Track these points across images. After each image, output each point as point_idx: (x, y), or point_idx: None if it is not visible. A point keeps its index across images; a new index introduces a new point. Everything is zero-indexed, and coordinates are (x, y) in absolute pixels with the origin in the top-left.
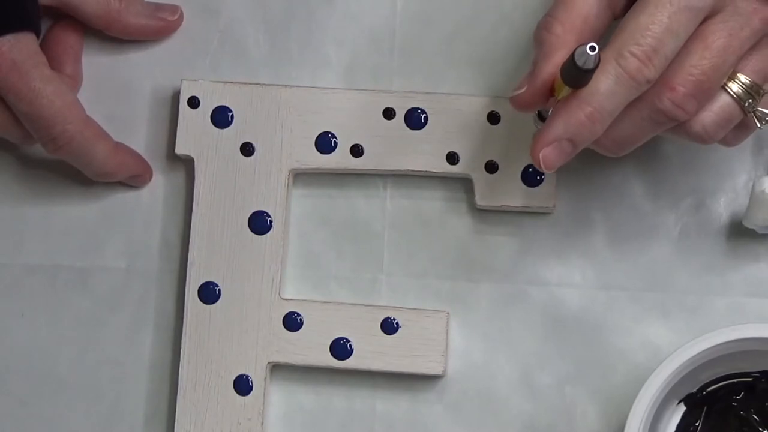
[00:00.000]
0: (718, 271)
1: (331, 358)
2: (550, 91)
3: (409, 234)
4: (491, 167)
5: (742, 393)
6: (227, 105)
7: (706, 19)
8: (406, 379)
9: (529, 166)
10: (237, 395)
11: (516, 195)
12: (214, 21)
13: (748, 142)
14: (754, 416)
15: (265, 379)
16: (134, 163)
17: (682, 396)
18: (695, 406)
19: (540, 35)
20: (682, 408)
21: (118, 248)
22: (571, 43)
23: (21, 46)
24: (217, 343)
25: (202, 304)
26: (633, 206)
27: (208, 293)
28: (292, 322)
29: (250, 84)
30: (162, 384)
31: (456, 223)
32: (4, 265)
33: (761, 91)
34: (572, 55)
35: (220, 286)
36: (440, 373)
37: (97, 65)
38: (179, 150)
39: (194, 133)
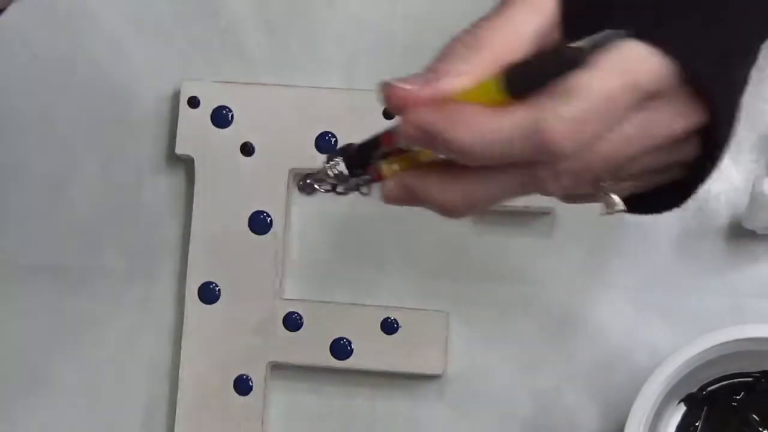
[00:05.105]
0: (718, 272)
1: (331, 358)
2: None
3: (409, 234)
4: None
5: (742, 393)
6: (227, 105)
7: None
8: (406, 379)
9: None
10: (237, 395)
11: None
12: (214, 21)
13: (748, 143)
14: (754, 416)
15: (265, 379)
16: None
17: (682, 396)
18: (695, 406)
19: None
20: (682, 408)
21: (118, 248)
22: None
23: None
24: (217, 343)
25: (202, 304)
26: None
27: (208, 293)
28: (292, 322)
29: (250, 84)
30: (162, 384)
31: (456, 223)
32: (5, 265)
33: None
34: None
35: (220, 286)
36: (440, 373)
37: (97, 65)
38: (179, 150)
39: (194, 133)
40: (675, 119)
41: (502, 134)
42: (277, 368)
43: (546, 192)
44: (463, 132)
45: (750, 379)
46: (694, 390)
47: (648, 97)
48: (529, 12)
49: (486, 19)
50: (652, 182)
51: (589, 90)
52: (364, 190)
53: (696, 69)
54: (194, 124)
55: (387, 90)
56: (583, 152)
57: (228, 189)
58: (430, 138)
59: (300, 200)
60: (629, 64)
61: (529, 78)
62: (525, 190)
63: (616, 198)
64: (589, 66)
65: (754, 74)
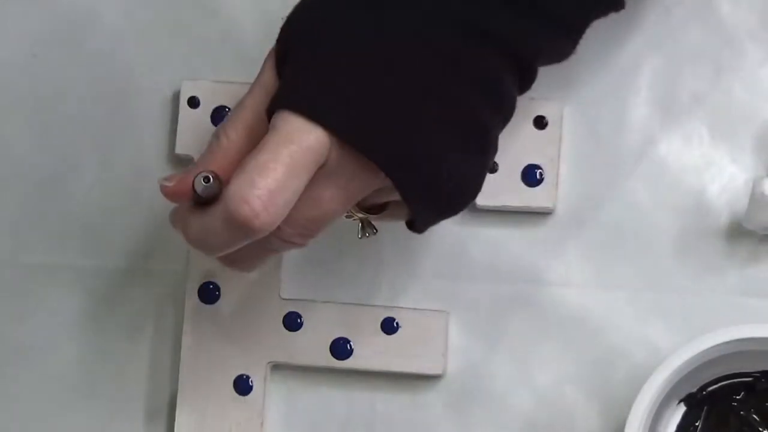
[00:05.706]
0: (718, 271)
1: (331, 358)
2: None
3: (409, 234)
4: (491, 167)
5: (742, 393)
6: (227, 105)
7: (319, 169)
8: (406, 379)
9: (529, 166)
10: (237, 395)
11: (516, 195)
12: (214, 21)
13: (748, 143)
14: (754, 416)
15: (265, 379)
16: None
17: (682, 396)
18: (695, 406)
19: (211, 139)
20: (682, 408)
21: (118, 248)
22: (233, 157)
23: None
24: (217, 343)
25: (202, 304)
26: (633, 206)
27: (208, 293)
28: (292, 322)
29: (250, 84)
30: (162, 384)
31: (456, 223)
32: (4, 265)
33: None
34: (193, 180)
35: (220, 286)
36: (440, 373)
37: (97, 65)
38: (179, 150)
39: (194, 133)
40: (356, 177)
41: (211, 228)
42: (277, 368)
43: (297, 248)
44: (186, 231)
45: (750, 379)
46: (694, 390)
47: (327, 161)
48: (258, 89)
49: (228, 117)
50: (401, 212)
51: (265, 168)
52: None
53: (346, 134)
54: (194, 124)
55: (159, 184)
56: (296, 217)
57: None
58: (180, 231)
59: None
60: (289, 136)
61: (196, 194)
62: (275, 253)
63: (366, 225)
64: (259, 148)
65: (752, 72)
